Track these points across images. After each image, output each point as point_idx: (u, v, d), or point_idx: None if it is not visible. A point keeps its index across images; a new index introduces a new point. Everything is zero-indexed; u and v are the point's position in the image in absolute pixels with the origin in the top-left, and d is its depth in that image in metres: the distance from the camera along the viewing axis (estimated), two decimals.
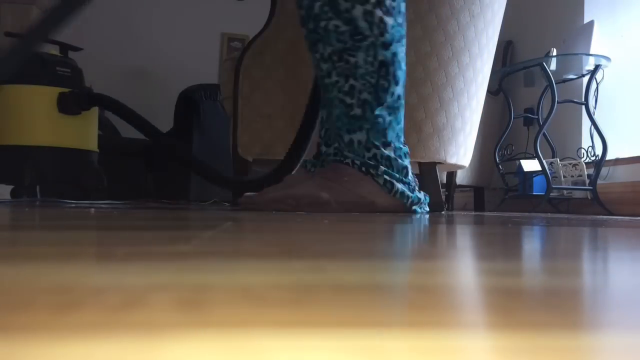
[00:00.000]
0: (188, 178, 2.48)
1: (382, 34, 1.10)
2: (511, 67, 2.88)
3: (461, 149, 1.68)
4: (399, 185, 1.15)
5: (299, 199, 1.11)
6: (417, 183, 1.23)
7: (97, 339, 0.11)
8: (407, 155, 1.20)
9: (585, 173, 2.59)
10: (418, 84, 1.61)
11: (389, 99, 1.13)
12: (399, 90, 1.14)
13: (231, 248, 0.31)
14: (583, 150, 2.75)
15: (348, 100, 1.13)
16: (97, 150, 1.93)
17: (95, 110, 1.88)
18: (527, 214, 1.98)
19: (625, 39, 2.72)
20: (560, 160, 2.71)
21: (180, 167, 2.54)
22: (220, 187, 1.58)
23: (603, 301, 0.17)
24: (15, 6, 3.61)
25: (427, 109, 1.61)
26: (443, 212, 1.41)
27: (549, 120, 2.57)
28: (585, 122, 2.75)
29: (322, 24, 1.13)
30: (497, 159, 3.01)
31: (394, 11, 1.12)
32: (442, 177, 2.73)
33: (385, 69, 1.12)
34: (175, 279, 0.19)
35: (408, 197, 1.16)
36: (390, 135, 1.15)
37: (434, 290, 0.18)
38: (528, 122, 3.07)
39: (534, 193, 2.72)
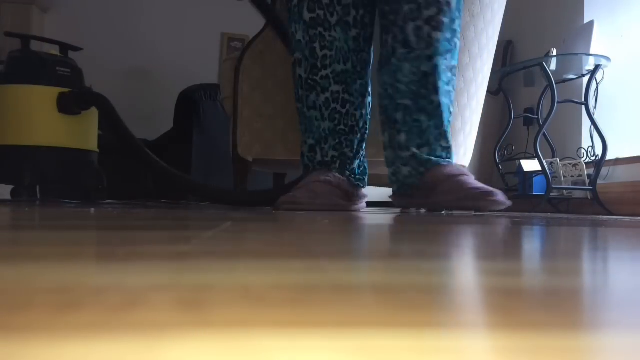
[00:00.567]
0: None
1: (427, 48, 1.21)
2: (511, 67, 2.88)
3: (461, 149, 1.68)
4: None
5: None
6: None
7: (97, 339, 0.11)
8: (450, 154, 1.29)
9: (585, 173, 2.59)
10: None
11: (428, 106, 1.23)
12: (439, 98, 1.23)
13: (231, 248, 0.31)
14: (583, 150, 2.75)
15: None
16: (97, 150, 1.93)
17: (95, 110, 1.88)
18: (527, 214, 1.98)
19: (625, 39, 2.72)
20: (560, 160, 2.71)
21: (180, 167, 2.54)
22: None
23: (603, 301, 0.17)
24: (15, 6, 3.61)
25: None
26: (443, 212, 1.41)
27: (549, 120, 2.57)
28: (585, 122, 2.75)
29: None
30: (497, 159, 3.01)
31: (443, 26, 1.21)
32: None
33: (426, 79, 1.22)
34: (175, 279, 0.19)
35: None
36: (427, 138, 1.26)
37: (434, 290, 0.18)
38: (528, 122, 3.06)
39: (534, 193, 2.72)
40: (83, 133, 1.84)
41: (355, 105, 1.32)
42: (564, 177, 2.66)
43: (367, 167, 1.43)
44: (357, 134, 1.34)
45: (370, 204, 3.80)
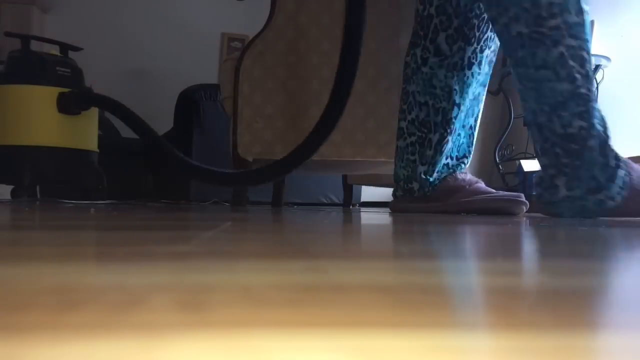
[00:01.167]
0: (188, 178, 2.48)
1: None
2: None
3: None
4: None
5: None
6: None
7: (97, 339, 0.11)
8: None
9: None
10: None
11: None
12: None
13: (231, 248, 0.31)
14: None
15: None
16: (97, 150, 1.93)
17: (95, 110, 1.88)
18: (527, 213, 1.98)
19: (625, 39, 2.72)
20: None
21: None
22: (225, 187, 1.58)
23: (603, 301, 0.17)
24: (15, 6, 3.61)
25: None
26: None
27: None
28: None
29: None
30: (497, 159, 3.01)
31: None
32: None
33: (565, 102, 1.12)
34: (175, 279, 0.19)
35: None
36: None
37: (434, 290, 0.18)
38: None
39: (534, 193, 2.72)
40: (83, 133, 1.84)
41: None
42: None
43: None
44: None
45: (370, 204, 3.79)
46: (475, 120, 1.38)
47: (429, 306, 0.15)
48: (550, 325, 0.13)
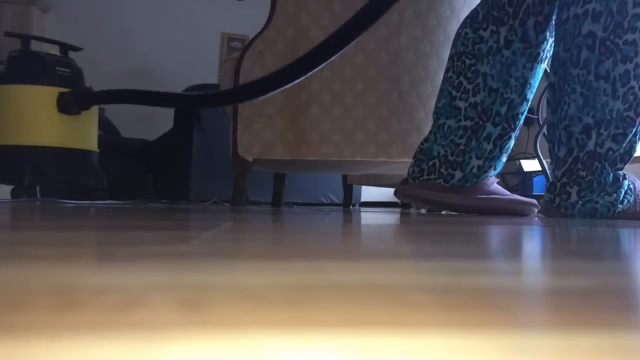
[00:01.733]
0: (188, 178, 2.48)
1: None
2: None
3: None
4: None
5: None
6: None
7: (97, 339, 0.11)
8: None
9: None
10: (418, 83, 1.61)
11: None
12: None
13: (231, 248, 0.31)
14: None
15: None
16: (97, 150, 1.93)
17: (95, 110, 1.88)
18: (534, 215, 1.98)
19: None
20: None
21: (180, 167, 2.54)
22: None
23: (603, 301, 0.17)
24: (15, 6, 3.61)
25: (427, 109, 1.62)
26: (443, 212, 1.41)
27: None
28: None
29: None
30: None
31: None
32: None
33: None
34: (175, 279, 0.19)
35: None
36: None
37: (434, 290, 0.18)
38: (528, 122, 3.06)
39: (534, 193, 2.73)
40: (83, 133, 1.84)
41: None
42: None
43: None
44: None
45: (370, 204, 3.79)
46: None
47: (429, 306, 0.15)
48: (551, 325, 0.13)
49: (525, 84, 1.19)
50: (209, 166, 2.50)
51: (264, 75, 1.32)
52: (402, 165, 1.74)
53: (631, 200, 1.11)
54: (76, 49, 1.93)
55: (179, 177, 2.55)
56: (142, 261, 0.23)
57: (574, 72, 1.08)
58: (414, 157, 1.27)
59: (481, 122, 1.20)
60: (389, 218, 0.93)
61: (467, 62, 1.22)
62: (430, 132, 1.27)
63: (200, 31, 4.18)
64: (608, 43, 1.04)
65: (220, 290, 0.17)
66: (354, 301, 0.15)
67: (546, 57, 1.21)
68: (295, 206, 2.44)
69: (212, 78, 4.00)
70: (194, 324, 0.12)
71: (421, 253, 0.31)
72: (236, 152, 1.65)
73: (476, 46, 1.21)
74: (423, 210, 1.46)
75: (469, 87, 1.21)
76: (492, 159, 1.20)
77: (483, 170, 1.20)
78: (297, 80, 1.23)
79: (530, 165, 2.75)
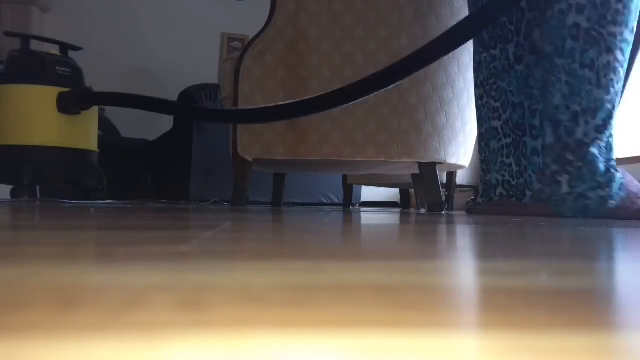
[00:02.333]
0: (188, 178, 2.48)
1: None
2: None
3: (461, 149, 1.68)
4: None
5: None
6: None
7: (97, 339, 0.11)
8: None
9: None
10: (418, 83, 1.61)
11: None
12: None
13: (231, 248, 0.31)
14: None
15: None
16: (97, 150, 1.93)
17: (95, 110, 1.88)
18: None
19: None
20: None
21: (180, 167, 2.54)
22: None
23: (603, 301, 0.17)
24: (15, 6, 3.61)
25: (427, 108, 1.61)
26: (443, 212, 1.41)
27: None
28: None
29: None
30: None
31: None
32: (442, 177, 2.73)
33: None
34: (175, 279, 0.19)
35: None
36: None
37: (434, 290, 0.18)
38: None
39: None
40: (83, 133, 1.84)
41: None
42: None
43: None
44: None
45: (370, 204, 3.79)
46: None
47: (429, 306, 0.15)
48: (551, 325, 0.13)
49: None
50: (209, 166, 2.50)
51: (274, 104, 1.34)
52: (402, 165, 1.73)
53: (623, 197, 1.11)
54: (76, 48, 1.93)
55: (179, 177, 2.55)
56: (142, 261, 0.23)
57: (559, 62, 1.10)
58: (480, 192, 1.29)
59: (518, 138, 1.20)
60: (389, 218, 0.93)
61: (490, 82, 1.26)
62: (483, 161, 1.28)
63: (200, 31, 4.17)
64: (593, 32, 1.06)
65: (220, 290, 0.17)
66: (354, 301, 0.15)
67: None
68: (295, 206, 2.44)
69: (212, 78, 4.00)
70: (194, 324, 0.12)
71: (421, 253, 0.31)
72: (236, 152, 1.65)
73: (492, 65, 1.25)
74: (423, 210, 1.46)
75: (497, 105, 1.24)
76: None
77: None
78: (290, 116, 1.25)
79: None
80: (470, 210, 1.30)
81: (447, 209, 2.59)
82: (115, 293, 0.16)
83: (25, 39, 1.83)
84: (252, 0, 2.67)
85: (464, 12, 1.62)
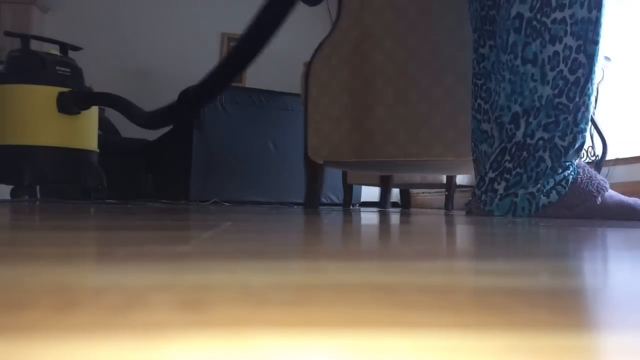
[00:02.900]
0: (188, 178, 2.48)
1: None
2: None
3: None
4: None
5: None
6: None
7: (97, 339, 0.11)
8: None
9: None
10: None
11: None
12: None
13: (231, 248, 0.31)
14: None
15: None
16: (97, 150, 1.93)
17: (95, 110, 1.88)
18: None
19: (625, 39, 2.72)
20: None
21: (180, 167, 2.54)
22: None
23: (603, 301, 0.17)
24: (15, 6, 3.61)
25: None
26: (443, 212, 1.41)
27: None
28: None
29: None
30: None
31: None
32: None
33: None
34: (175, 279, 0.19)
35: None
36: None
37: (433, 290, 0.17)
38: None
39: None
40: (83, 133, 1.84)
41: None
42: None
43: None
44: None
45: (370, 204, 3.79)
46: None
47: (429, 306, 0.15)
48: (550, 325, 0.13)
49: None
50: (209, 166, 2.50)
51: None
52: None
53: (562, 193, 1.00)
54: (76, 48, 1.93)
55: (179, 177, 2.55)
56: (142, 261, 0.23)
57: (503, 58, 1.02)
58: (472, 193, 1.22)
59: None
60: (388, 218, 0.93)
61: (480, 82, 1.18)
62: (474, 161, 1.21)
63: (200, 31, 4.17)
64: (535, 23, 0.97)
65: (220, 290, 0.17)
66: (354, 301, 0.15)
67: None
68: (295, 206, 2.44)
69: None
70: (194, 324, 0.12)
71: (421, 253, 0.31)
72: (307, 156, 1.65)
73: (481, 65, 1.18)
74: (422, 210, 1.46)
75: (487, 107, 1.16)
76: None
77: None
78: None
79: None
80: (470, 210, 1.28)
81: (448, 209, 2.59)
82: (115, 293, 0.16)
83: (25, 39, 1.83)
84: (252, 0, 2.67)
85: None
